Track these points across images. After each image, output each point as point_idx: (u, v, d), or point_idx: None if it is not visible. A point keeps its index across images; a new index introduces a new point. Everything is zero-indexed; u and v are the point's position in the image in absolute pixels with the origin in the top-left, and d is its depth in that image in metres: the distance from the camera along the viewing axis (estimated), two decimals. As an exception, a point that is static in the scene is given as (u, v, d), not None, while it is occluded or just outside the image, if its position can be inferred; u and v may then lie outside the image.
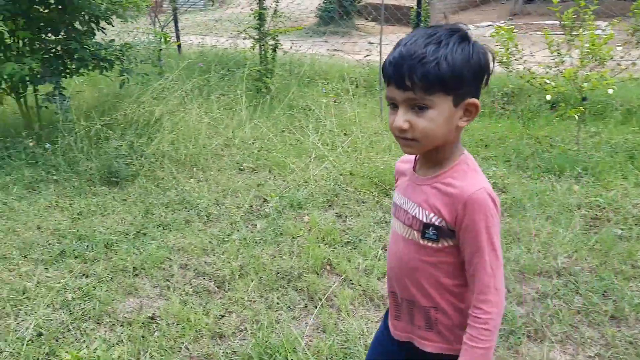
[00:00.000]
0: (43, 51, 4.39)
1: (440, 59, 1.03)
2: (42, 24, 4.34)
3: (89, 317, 2.43)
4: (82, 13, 4.47)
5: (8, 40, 4.23)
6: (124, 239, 3.08)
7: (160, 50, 5.52)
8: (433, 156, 1.15)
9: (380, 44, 5.26)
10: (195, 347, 2.24)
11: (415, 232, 1.16)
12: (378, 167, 3.87)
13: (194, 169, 4.12)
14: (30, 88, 4.54)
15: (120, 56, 4.63)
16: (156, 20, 6.41)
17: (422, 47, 1.05)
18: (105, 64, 4.56)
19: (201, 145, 4.44)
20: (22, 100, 4.59)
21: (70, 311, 2.46)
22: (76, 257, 2.89)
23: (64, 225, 3.24)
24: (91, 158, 4.06)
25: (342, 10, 11.56)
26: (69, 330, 2.34)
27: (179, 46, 7.54)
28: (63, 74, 4.56)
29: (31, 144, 4.09)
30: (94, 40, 4.64)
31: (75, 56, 4.49)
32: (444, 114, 1.07)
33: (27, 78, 4.21)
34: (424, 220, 1.14)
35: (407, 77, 1.05)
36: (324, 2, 12.16)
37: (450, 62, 1.04)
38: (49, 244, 3.03)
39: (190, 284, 2.69)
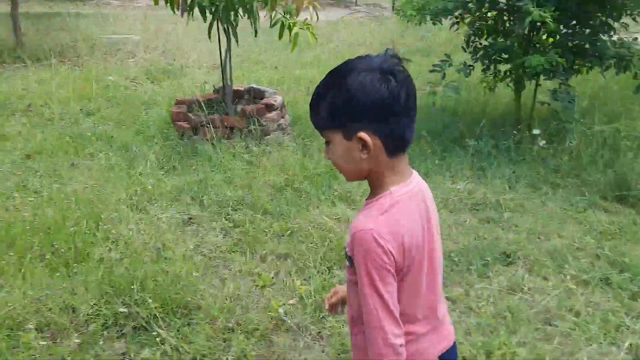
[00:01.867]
0: (559, 46, 4.19)
1: (319, 99, 1.07)
2: (573, 19, 4.12)
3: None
4: (608, 7, 4.05)
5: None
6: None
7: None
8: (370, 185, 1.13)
9: None
10: None
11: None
12: None
13: None
14: (530, 82, 4.45)
15: (640, 57, 4.02)
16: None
17: (319, 86, 1.08)
18: (624, 64, 4.05)
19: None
20: (519, 92, 4.56)
21: None
22: (621, 288, 2.54)
23: (587, 241, 2.95)
24: (598, 167, 3.67)
25: None
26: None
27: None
28: (572, 71, 4.28)
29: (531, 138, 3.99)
30: (615, 37, 4.18)
31: (589, 52, 4.14)
32: (339, 148, 1.08)
33: (538, 71, 4.08)
34: (345, 245, 1.12)
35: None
36: None
37: (327, 101, 1.05)
38: (580, 260, 2.78)
39: None
